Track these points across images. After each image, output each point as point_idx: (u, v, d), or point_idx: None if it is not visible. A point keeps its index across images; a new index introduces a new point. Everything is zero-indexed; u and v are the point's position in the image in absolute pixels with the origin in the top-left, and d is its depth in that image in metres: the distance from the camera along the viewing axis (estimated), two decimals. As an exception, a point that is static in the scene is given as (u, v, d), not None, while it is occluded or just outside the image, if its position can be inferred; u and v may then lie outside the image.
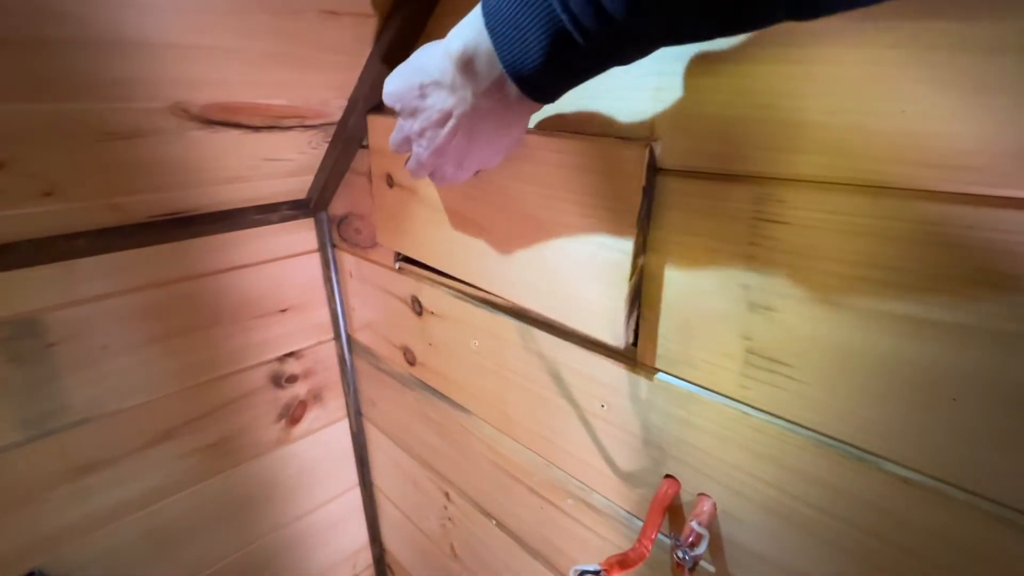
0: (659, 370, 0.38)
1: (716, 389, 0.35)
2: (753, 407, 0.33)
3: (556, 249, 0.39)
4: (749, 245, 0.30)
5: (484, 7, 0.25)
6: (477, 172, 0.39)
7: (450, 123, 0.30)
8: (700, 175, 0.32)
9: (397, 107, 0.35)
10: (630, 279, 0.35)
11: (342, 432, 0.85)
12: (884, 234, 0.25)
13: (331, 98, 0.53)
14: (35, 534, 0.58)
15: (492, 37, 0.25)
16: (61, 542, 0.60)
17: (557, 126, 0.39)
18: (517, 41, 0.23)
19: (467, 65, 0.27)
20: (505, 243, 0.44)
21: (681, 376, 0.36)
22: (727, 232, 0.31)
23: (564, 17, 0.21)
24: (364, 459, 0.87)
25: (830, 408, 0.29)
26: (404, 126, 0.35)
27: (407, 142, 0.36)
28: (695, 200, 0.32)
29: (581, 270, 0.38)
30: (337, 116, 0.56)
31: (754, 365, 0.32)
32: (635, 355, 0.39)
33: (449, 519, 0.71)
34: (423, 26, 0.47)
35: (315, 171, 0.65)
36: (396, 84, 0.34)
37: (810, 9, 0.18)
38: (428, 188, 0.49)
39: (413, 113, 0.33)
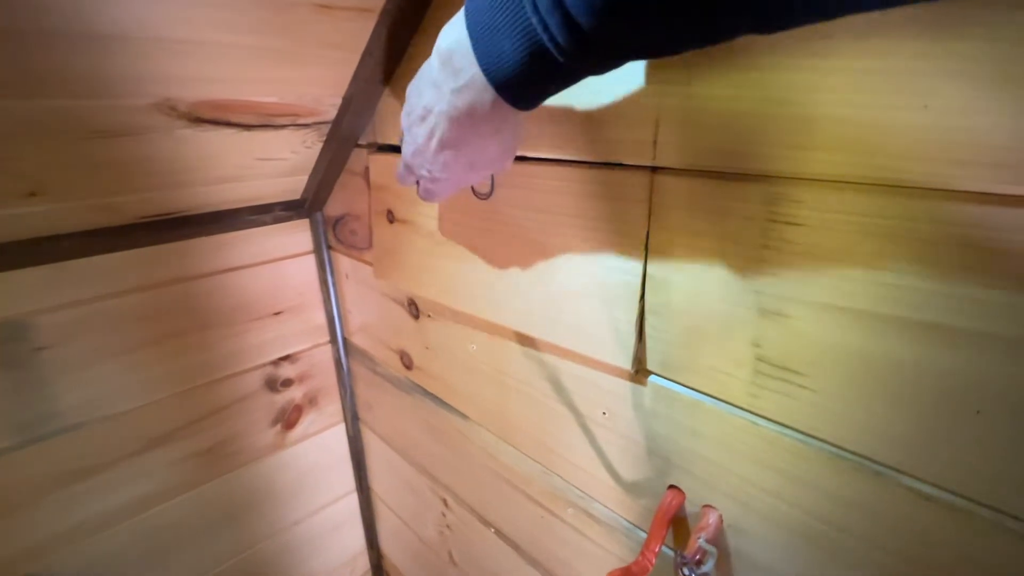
0: (664, 377, 0.36)
1: (724, 398, 0.33)
2: (763, 417, 0.31)
3: (562, 274, 0.39)
4: (762, 248, 0.29)
5: (466, 4, 0.25)
6: (469, 187, 0.39)
7: (429, 119, 0.30)
8: (709, 174, 0.30)
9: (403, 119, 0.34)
10: (639, 300, 0.35)
11: (338, 437, 0.84)
12: (905, 236, 0.24)
13: (325, 96, 0.52)
14: (27, 541, 0.56)
15: (470, 35, 0.24)
16: (53, 549, 0.59)
17: (559, 142, 0.38)
18: (493, 43, 0.23)
19: (447, 60, 0.27)
20: (509, 271, 0.43)
21: (687, 384, 0.35)
22: (738, 234, 0.29)
23: (535, 21, 0.21)
24: (361, 464, 0.85)
25: (845, 419, 0.28)
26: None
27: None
28: (703, 200, 0.31)
29: (589, 293, 0.38)
30: (331, 114, 0.55)
31: (764, 373, 0.30)
32: (639, 362, 0.37)
33: (447, 526, 0.69)
34: (419, 21, 0.46)
35: (309, 171, 0.64)
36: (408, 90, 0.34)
37: (773, 25, 0.18)
38: (428, 220, 0.49)
39: (408, 115, 0.32)
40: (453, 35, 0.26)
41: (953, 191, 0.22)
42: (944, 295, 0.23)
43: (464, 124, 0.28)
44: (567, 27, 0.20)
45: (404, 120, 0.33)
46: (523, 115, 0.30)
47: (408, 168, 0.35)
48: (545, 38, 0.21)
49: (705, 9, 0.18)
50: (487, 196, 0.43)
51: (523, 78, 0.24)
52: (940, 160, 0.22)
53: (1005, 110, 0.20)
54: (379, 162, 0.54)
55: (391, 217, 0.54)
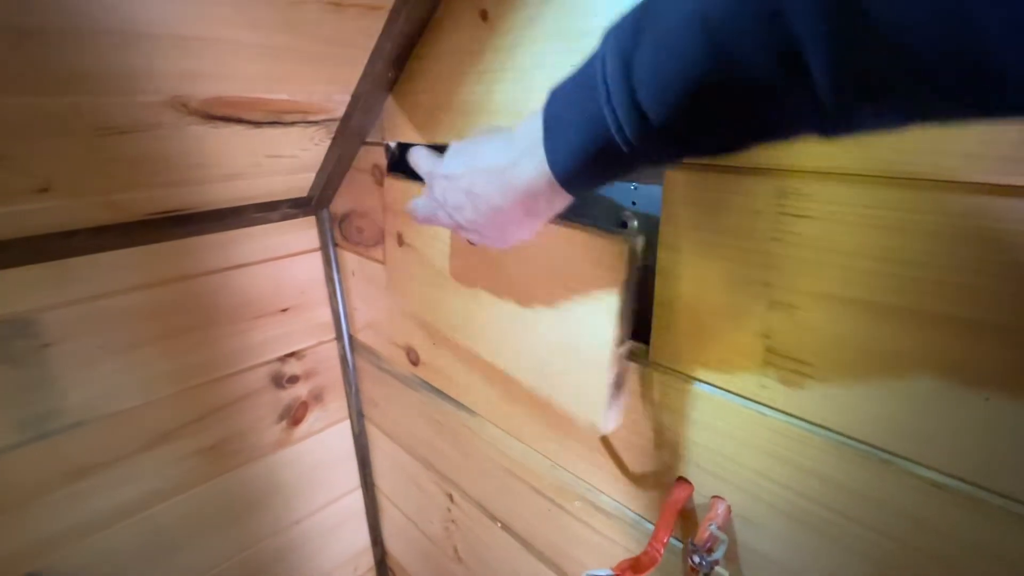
0: (672, 370, 0.37)
1: (733, 389, 0.34)
2: (771, 408, 0.32)
3: (545, 328, 0.40)
4: (771, 241, 0.29)
5: (549, 95, 0.25)
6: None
7: (475, 182, 0.30)
8: (717, 168, 0.31)
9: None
10: (609, 367, 0.36)
11: (344, 433, 0.84)
12: (915, 228, 0.24)
13: (334, 93, 0.52)
14: (31, 538, 0.57)
15: (544, 122, 0.25)
16: (58, 546, 0.59)
17: None
18: (562, 132, 0.24)
19: (511, 139, 0.28)
20: (499, 313, 0.44)
21: (695, 376, 0.35)
22: (747, 227, 0.30)
23: (606, 111, 0.21)
24: (366, 461, 0.86)
25: (854, 408, 0.28)
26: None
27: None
28: (711, 194, 0.31)
29: (566, 352, 0.38)
30: (340, 112, 0.55)
31: (773, 364, 0.31)
32: (647, 354, 0.38)
33: (452, 521, 0.69)
34: (428, 19, 0.46)
35: (317, 168, 0.64)
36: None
37: (836, 133, 0.18)
38: (432, 250, 0.50)
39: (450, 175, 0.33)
40: (530, 121, 0.26)
41: (960, 182, 0.23)
42: (951, 285, 0.24)
43: (511, 199, 0.28)
44: (637, 121, 0.20)
45: (441, 174, 0.34)
46: (564, 205, 0.29)
47: (432, 212, 0.36)
48: (613, 129, 0.21)
49: (769, 121, 0.18)
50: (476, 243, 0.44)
51: (585, 166, 0.24)
52: (947, 152, 0.23)
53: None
54: (394, 186, 0.55)
55: (400, 240, 0.55)
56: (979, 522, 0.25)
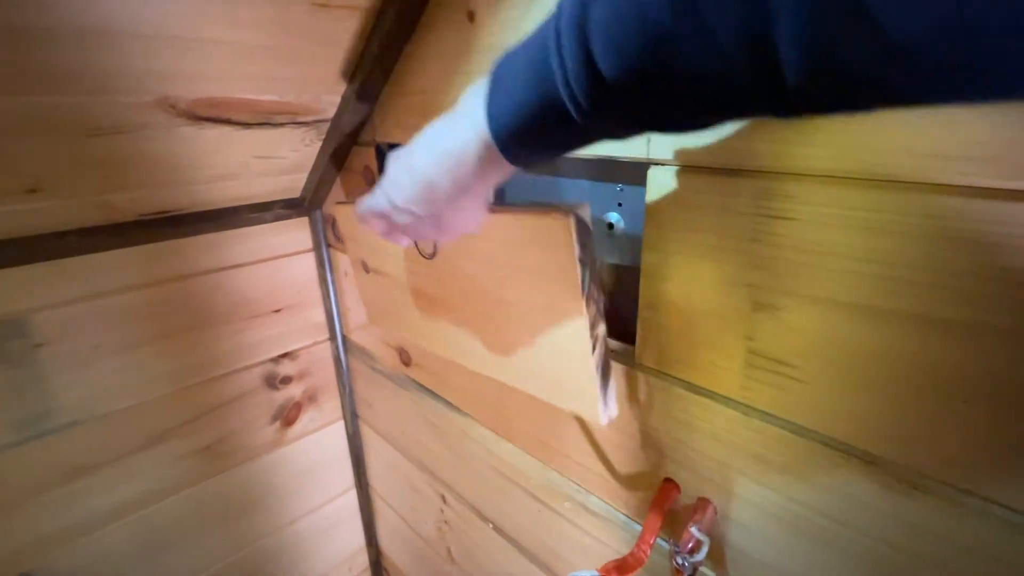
0: (658, 371, 0.37)
1: (717, 390, 0.34)
2: (755, 409, 0.32)
3: (520, 327, 0.38)
4: (752, 242, 0.29)
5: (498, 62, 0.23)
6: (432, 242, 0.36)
7: (415, 156, 0.28)
8: (700, 169, 0.31)
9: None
10: (592, 352, 0.33)
11: (338, 434, 0.84)
12: (892, 229, 0.24)
13: (323, 94, 0.52)
14: (26, 538, 0.57)
15: (489, 84, 0.23)
16: (53, 546, 0.59)
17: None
18: (506, 89, 0.22)
19: (454, 108, 0.25)
20: (474, 323, 0.42)
21: (681, 377, 0.35)
22: (730, 228, 0.30)
23: (555, 65, 0.19)
24: (360, 461, 0.86)
25: (836, 410, 0.28)
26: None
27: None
28: (695, 196, 0.31)
29: (546, 348, 0.36)
30: (330, 113, 0.55)
31: (756, 366, 0.31)
32: (634, 356, 0.38)
33: (446, 522, 0.70)
34: (416, 19, 0.46)
35: (309, 169, 0.64)
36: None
37: (796, 115, 0.17)
38: (398, 271, 0.48)
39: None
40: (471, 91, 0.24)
41: (938, 184, 0.23)
42: (931, 286, 0.24)
43: (444, 167, 0.26)
44: (588, 75, 0.18)
45: (393, 157, 0.31)
46: (501, 178, 0.27)
47: (375, 208, 0.32)
48: (560, 83, 0.19)
49: (731, 87, 0.16)
50: (431, 257, 0.42)
51: (527, 127, 0.22)
52: (925, 154, 0.23)
53: (985, 107, 0.21)
54: (344, 212, 0.51)
55: (366, 267, 0.53)
56: (956, 522, 0.25)
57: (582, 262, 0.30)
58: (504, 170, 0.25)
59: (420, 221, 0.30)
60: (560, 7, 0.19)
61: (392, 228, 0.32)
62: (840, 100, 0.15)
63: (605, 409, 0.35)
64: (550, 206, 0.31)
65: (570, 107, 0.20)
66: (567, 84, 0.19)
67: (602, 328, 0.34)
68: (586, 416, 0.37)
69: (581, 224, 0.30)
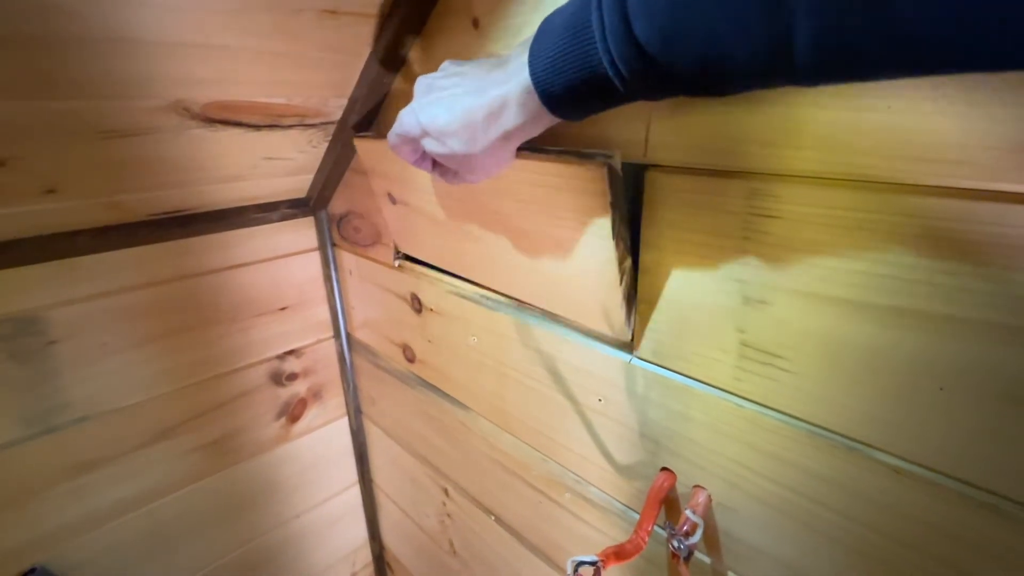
0: (655, 364, 0.38)
1: (711, 382, 0.35)
2: (747, 399, 0.33)
3: (547, 257, 0.41)
4: (743, 240, 0.31)
5: (539, 28, 0.25)
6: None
7: (459, 92, 0.30)
8: (694, 171, 0.32)
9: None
10: (620, 283, 0.36)
11: (342, 430, 0.86)
12: (874, 228, 0.26)
13: (331, 97, 0.54)
14: (36, 531, 0.58)
15: (535, 39, 0.25)
16: (62, 539, 0.60)
17: (550, 139, 0.38)
18: (547, 52, 0.24)
19: (503, 62, 0.27)
20: (502, 252, 0.45)
21: (677, 370, 0.37)
22: (721, 227, 0.31)
23: (600, 48, 0.22)
24: (364, 457, 0.87)
25: (822, 399, 0.30)
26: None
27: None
28: (689, 196, 0.33)
29: (574, 276, 0.39)
30: (337, 115, 0.57)
31: (748, 358, 0.32)
32: (632, 349, 0.39)
33: (448, 515, 0.71)
34: (421, 26, 0.48)
35: (315, 170, 0.66)
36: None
37: (812, 84, 0.19)
38: (425, 202, 0.50)
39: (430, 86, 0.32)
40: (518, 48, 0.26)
41: (915, 185, 0.24)
42: (909, 281, 0.25)
43: (487, 111, 0.28)
44: (632, 48, 0.20)
45: (423, 85, 0.32)
46: (541, 128, 0.29)
47: (405, 132, 0.33)
48: (606, 61, 0.21)
49: (756, 59, 0.19)
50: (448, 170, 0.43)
51: (568, 85, 0.24)
52: (903, 157, 0.24)
53: (958, 111, 0.23)
54: (365, 146, 0.54)
55: (392, 199, 0.56)
56: (937, 505, 0.27)
57: (613, 206, 0.33)
58: (546, 121, 0.27)
59: (451, 155, 0.31)
60: None
61: (422, 154, 0.34)
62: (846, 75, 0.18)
63: (629, 330, 0.39)
64: (584, 155, 0.33)
65: (609, 72, 0.22)
66: (607, 51, 0.21)
67: (628, 262, 0.37)
68: (609, 333, 0.40)
69: (613, 172, 0.33)
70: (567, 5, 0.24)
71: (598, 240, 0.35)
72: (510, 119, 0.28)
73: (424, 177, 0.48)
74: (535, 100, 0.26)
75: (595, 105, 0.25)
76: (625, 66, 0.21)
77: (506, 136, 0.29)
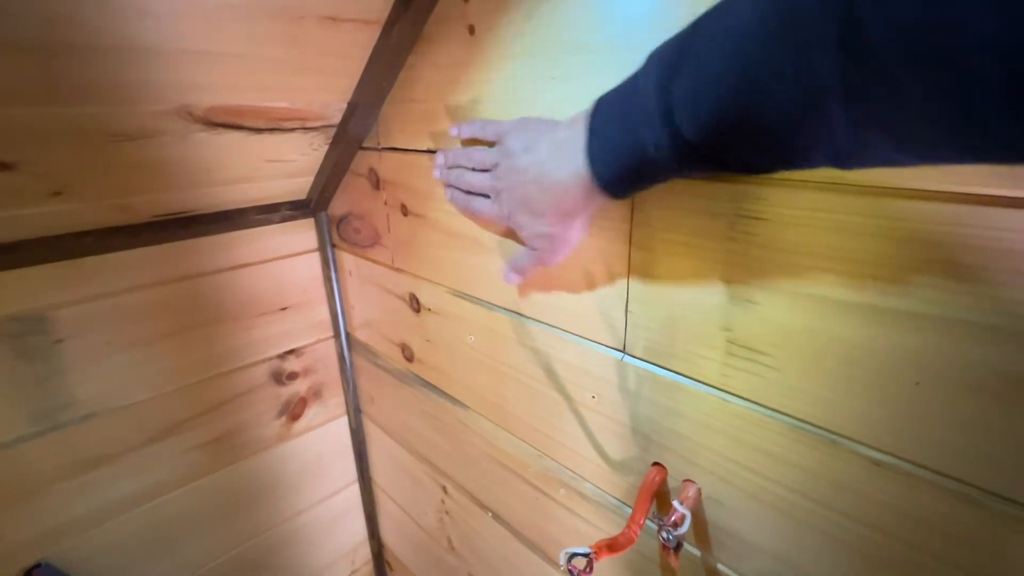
0: (646, 361, 0.39)
1: (699, 379, 0.36)
2: (734, 395, 0.34)
3: (560, 273, 0.43)
4: (729, 240, 0.32)
5: (595, 104, 0.29)
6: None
7: (531, 162, 0.34)
8: (682, 174, 0.33)
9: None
10: (626, 293, 0.38)
11: (341, 428, 0.87)
12: (855, 229, 0.27)
13: (331, 101, 0.55)
14: (41, 526, 0.59)
15: (587, 128, 0.28)
16: (66, 535, 0.61)
17: None
18: (604, 137, 0.28)
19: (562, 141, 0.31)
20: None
21: (667, 367, 0.38)
22: (709, 228, 0.33)
23: (645, 131, 0.24)
24: (363, 455, 0.88)
25: (805, 394, 0.31)
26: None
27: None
28: (678, 198, 0.34)
29: (584, 290, 0.41)
30: (337, 119, 0.58)
31: (734, 355, 0.34)
32: (624, 347, 0.41)
33: (447, 513, 0.72)
34: (420, 31, 0.49)
35: (315, 172, 0.67)
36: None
37: (849, 165, 0.21)
38: (438, 215, 0.53)
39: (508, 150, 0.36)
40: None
41: (895, 188, 0.26)
42: (888, 281, 0.26)
43: (546, 188, 0.32)
44: (672, 140, 0.23)
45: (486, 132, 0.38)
46: (601, 204, 0.32)
47: (476, 185, 0.41)
48: (652, 146, 0.24)
49: (794, 147, 0.21)
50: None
51: (621, 172, 0.27)
52: (878, 161, 0.25)
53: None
54: (390, 160, 0.58)
55: (404, 211, 0.58)
56: (913, 496, 0.28)
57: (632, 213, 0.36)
58: (599, 200, 0.31)
59: (526, 230, 0.36)
60: (646, 74, 0.25)
61: (474, 206, 0.42)
62: (878, 148, 0.19)
63: (622, 329, 0.41)
64: None
65: (659, 161, 0.25)
66: (657, 147, 0.24)
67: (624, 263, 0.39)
68: (606, 343, 0.42)
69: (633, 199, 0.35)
70: (614, 103, 0.27)
71: (614, 256, 0.38)
72: (569, 202, 0.32)
73: (443, 190, 0.50)
74: (590, 184, 0.29)
75: (645, 183, 0.28)
76: (674, 159, 0.25)
77: (560, 208, 0.33)
